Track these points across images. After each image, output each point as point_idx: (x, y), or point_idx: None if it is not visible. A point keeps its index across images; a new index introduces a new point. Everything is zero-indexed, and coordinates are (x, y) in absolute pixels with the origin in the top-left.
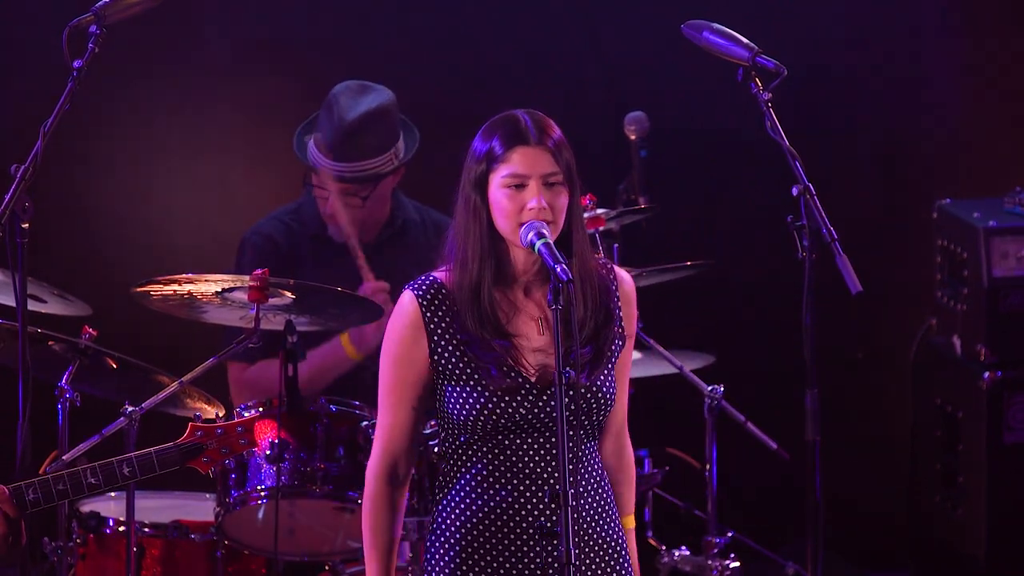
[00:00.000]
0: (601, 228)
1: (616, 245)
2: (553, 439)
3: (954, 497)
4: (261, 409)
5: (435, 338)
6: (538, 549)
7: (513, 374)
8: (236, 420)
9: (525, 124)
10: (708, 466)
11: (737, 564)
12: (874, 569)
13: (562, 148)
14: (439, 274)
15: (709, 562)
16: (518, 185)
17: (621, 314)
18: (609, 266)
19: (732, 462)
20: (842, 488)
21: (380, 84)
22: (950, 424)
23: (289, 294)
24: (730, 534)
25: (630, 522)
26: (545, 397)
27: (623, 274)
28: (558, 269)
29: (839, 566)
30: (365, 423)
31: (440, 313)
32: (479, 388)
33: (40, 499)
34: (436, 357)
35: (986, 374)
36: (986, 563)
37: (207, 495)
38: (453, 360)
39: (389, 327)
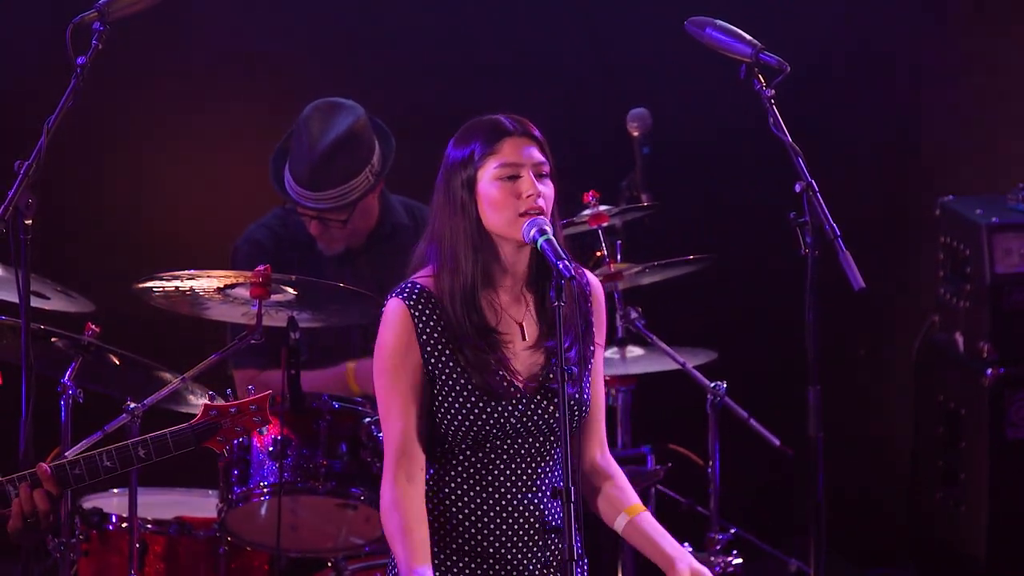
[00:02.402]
0: (604, 224)
1: (619, 242)
2: (536, 443)
3: (956, 494)
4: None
5: (428, 348)
6: (527, 550)
7: (505, 383)
8: (249, 398)
9: (504, 119)
10: (711, 463)
11: (739, 561)
12: (876, 566)
13: (544, 142)
14: (422, 280)
15: (711, 559)
16: (511, 176)
17: (593, 319)
18: (580, 270)
19: (735, 459)
20: (844, 485)
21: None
22: (952, 421)
23: (291, 290)
24: (732, 531)
25: (640, 507)
26: (532, 405)
27: (594, 279)
28: (560, 265)
29: (841, 563)
30: (368, 420)
31: (432, 321)
32: (472, 397)
33: (85, 475)
34: (429, 367)
35: (988, 371)
36: (987, 560)
37: (210, 491)
38: (445, 368)
39: (380, 338)
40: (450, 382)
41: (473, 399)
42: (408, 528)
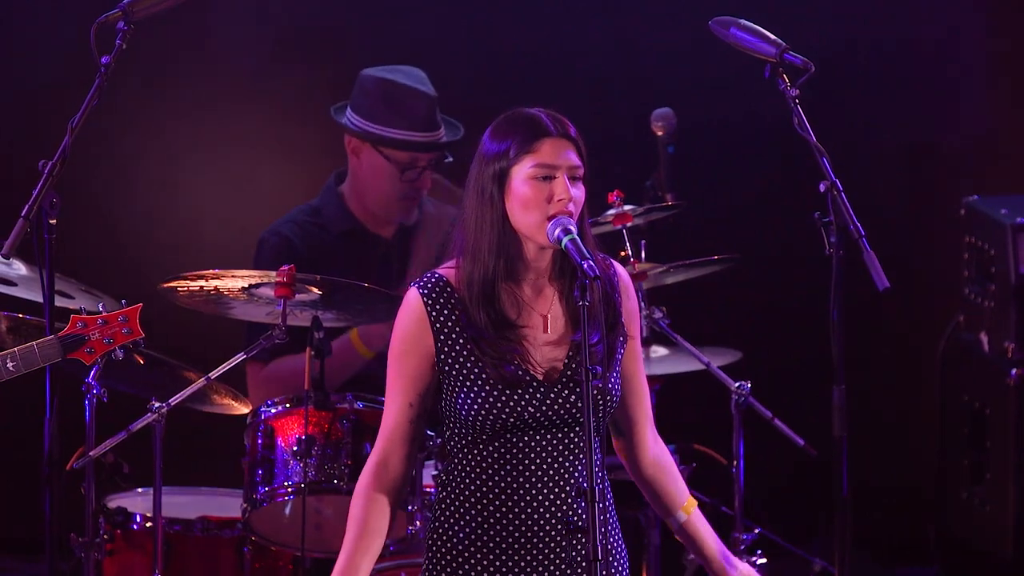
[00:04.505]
0: (628, 224)
1: (643, 241)
2: (560, 435)
3: (981, 494)
4: (288, 405)
5: (441, 337)
6: (547, 541)
7: (520, 372)
8: (118, 311)
9: (545, 118)
10: (735, 462)
11: (764, 560)
12: (901, 565)
13: (581, 143)
14: (444, 271)
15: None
16: (546, 176)
17: (622, 310)
18: (609, 261)
19: (759, 459)
20: (869, 484)
21: None
22: (978, 421)
23: (315, 290)
24: (757, 531)
25: (691, 505)
26: (552, 395)
27: (621, 269)
28: (585, 265)
29: (866, 562)
30: None
31: (446, 311)
32: (487, 386)
33: None
34: (443, 356)
35: (1014, 371)
36: (1013, 559)
37: (234, 491)
38: (460, 358)
39: (396, 324)
40: (465, 371)
41: (488, 388)
42: (361, 528)
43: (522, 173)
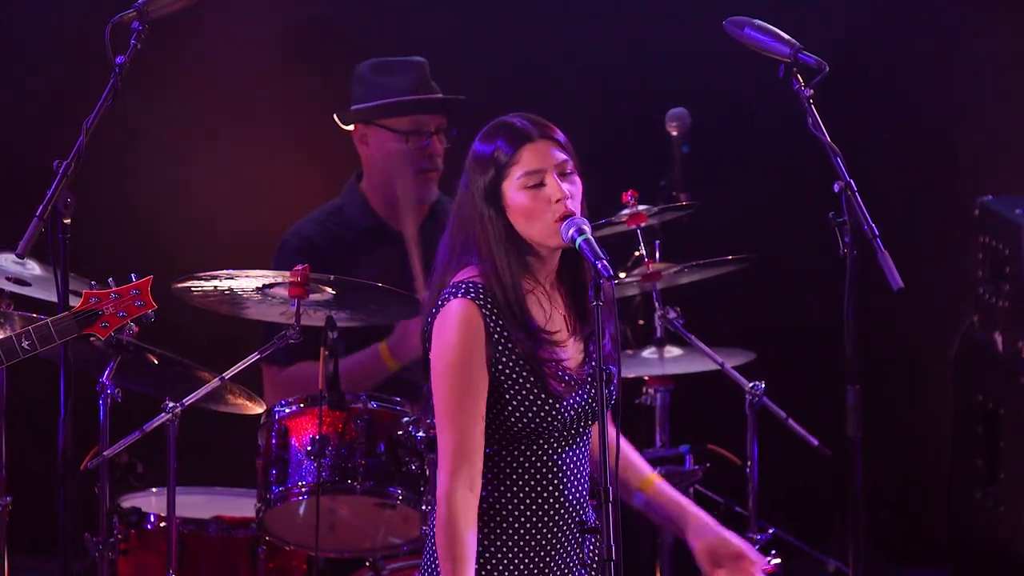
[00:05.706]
0: (643, 224)
1: (657, 241)
2: (581, 432)
3: (995, 494)
4: (302, 405)
5: (499, 347)
6: (563, 550)
7: (560, 372)
8: (130, 284)
9: (520, 123)
10: (749, 463)
11: (778, 561)
12: (914, 565)
13: (562, 138)
14: (479, 279)
15: None
16: (537, 183)
17: None
18: None
19: (773, 459)
20: (883, 485)
21: None
22: (991, 421)
23: (329, 290)
24: (771, 531)
25: (657, 477)
26: (583, 394)
27: None
28: (599, 265)
29: (880, 562)
30: (406, 419)
31: (501, 321)
32: (534, 390)
33: None
34: (500, 366)
35: None
36: None
37: (248, 491)
38: (512, 366)
39: (453, 338)
40: (513, 378)
41: (535, 393)
42: (466, 555)
43: (513, 185)
